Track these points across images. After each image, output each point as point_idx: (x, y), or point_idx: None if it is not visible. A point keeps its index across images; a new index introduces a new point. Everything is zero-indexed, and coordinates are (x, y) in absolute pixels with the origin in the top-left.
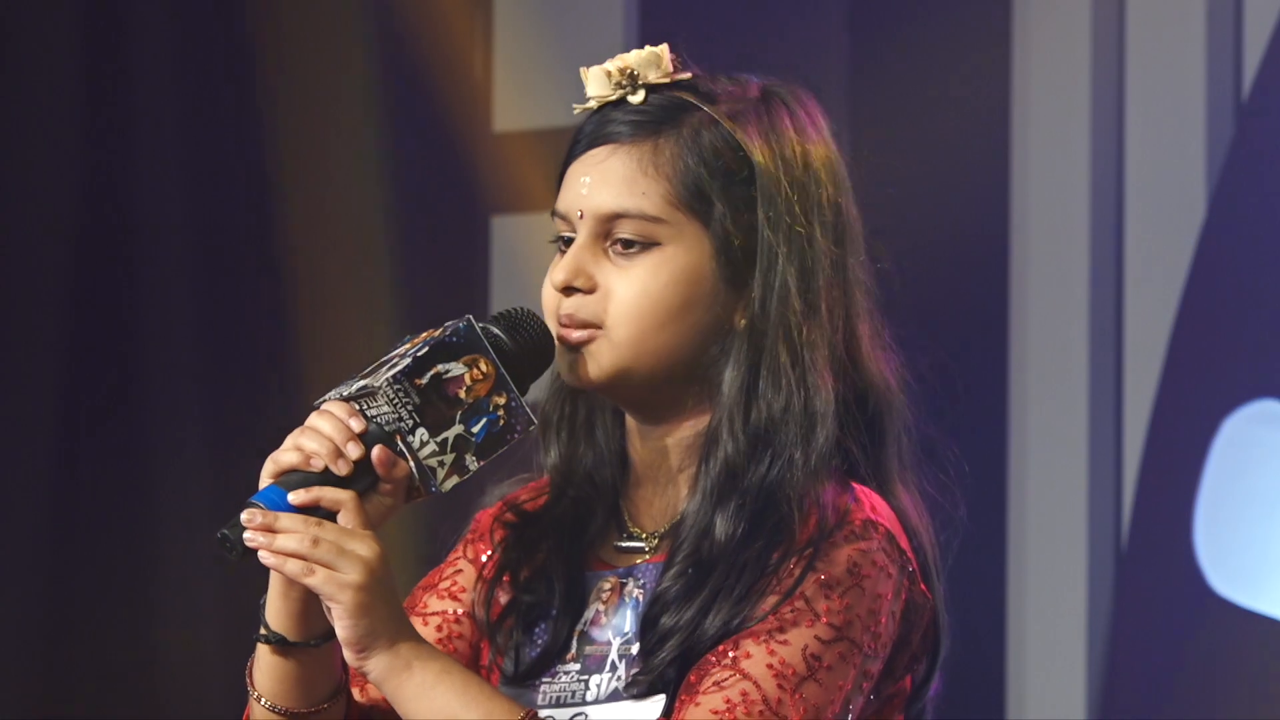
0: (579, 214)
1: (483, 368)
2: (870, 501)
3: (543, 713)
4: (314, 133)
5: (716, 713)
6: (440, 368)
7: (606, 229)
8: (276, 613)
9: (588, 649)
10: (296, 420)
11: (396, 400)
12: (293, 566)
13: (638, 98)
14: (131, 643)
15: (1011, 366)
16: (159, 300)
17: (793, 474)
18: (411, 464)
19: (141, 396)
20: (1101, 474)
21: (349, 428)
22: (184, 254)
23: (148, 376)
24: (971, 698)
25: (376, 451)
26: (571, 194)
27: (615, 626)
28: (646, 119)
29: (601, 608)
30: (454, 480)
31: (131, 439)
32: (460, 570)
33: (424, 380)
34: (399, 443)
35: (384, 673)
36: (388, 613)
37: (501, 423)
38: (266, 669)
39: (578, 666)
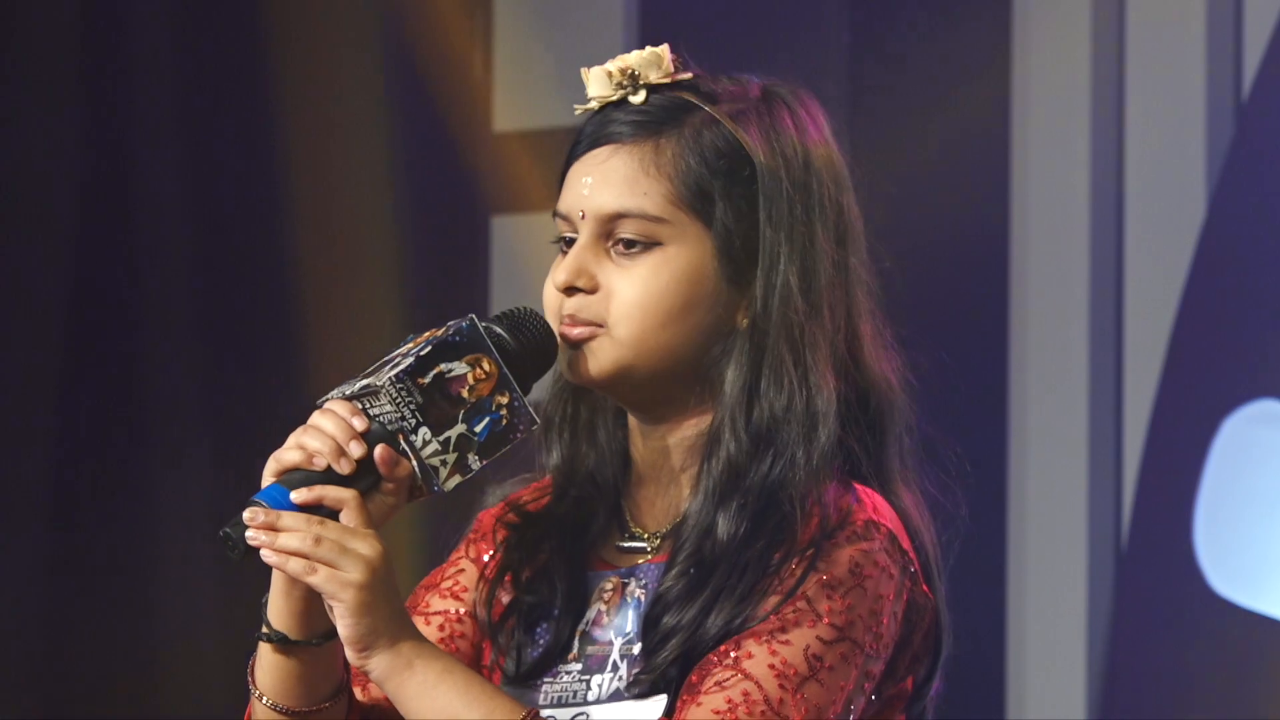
0: (581, 214)
1: (485, 367)
2: (872, 502)
3: (544, 712)
4: (315, 133)
5: (718, 712)
6: (443, 367)
7: (608, 229)
8: (278, 611)
9: (589, 649)
10: (298, 419)
11: (399, 399)
12: (295, 565)
13: (639, 98)
14: (131, 643)
15: (1011, 366)
16: (159, 299)
17: (795, 473)
18: (414, 463)
19: (141, 396)
20: (1101, 474)
21: (352, 427)
22: (184, 254)
23: (148, 376)
24: (971, 698)
25: (379, 450)
26: (573, 194)
27: (617, 626)
28: (648, 119)
29: (603, 608)
30: (456, 479)
31: (131, 439)
32: (462, 570)
33: (427, 379)
34: (401, 442)
35: (385, 672)
36: (389, 612)
37: (504, 422)
38: (268, 668)
39: (579, 666)
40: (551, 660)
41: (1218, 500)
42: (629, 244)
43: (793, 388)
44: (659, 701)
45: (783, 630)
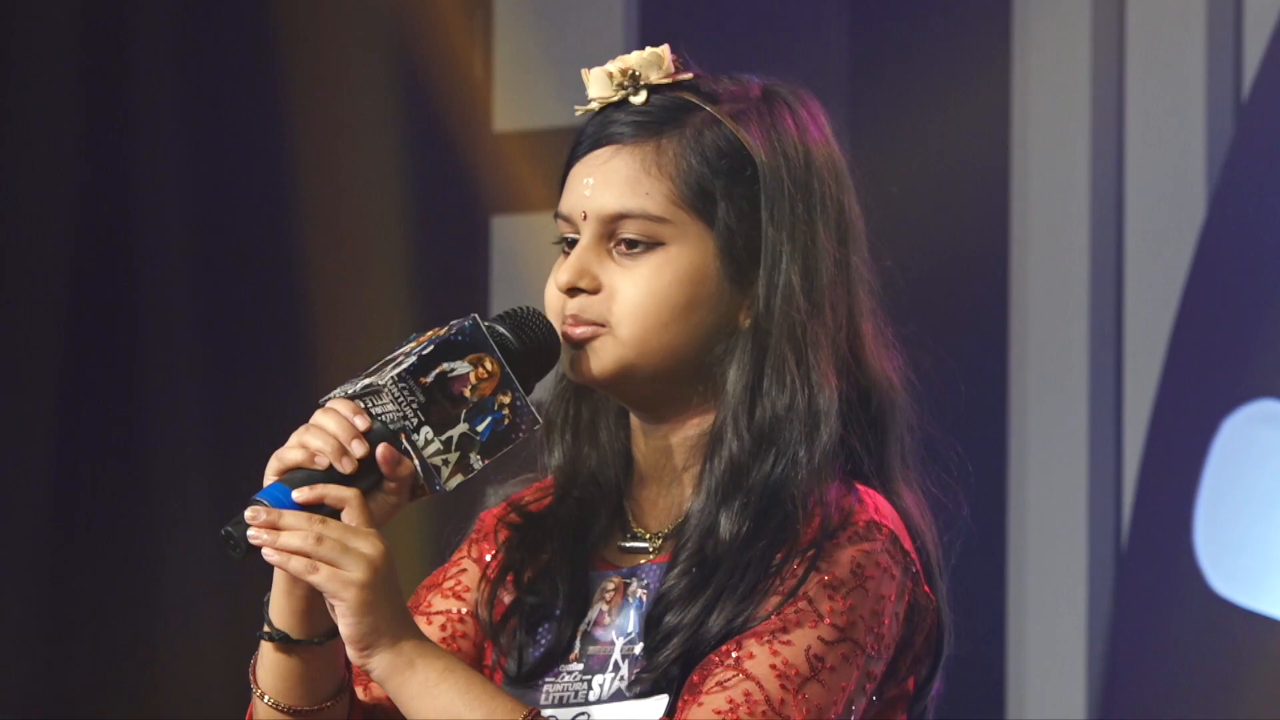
0: (582, 215)
1: (488, 366)
2: (874, 502)
3: (545, 712)
4: (317, 132)
5: (719, 713)
6: (445, 366)
7: (610, 230)
8: (280, 610)
9: (591, 649)
10: (299, 418)
11: (401, 398)
12: (296, 564)
13: (640, 98)
14: (132, 642)
15: (1011, 366)
16: (159, 300)
17: (797, 472)
18: (416, 462)
19: (141, 396)
20: (1101, 474)
21: (354, 425)
22: (184, 253)
23: (148, 376)
24: (971, 698)
25: (381, 449)
26: (574, 195)
27: (619, 626)
28: (649, 119)
29: (605, 608)
30: (458, 479)
31: (131, 439)
32: (464, 570)
33: (429, 379)
34: (404, 441)
35: (387, 671)
36: (391, 611)
37: (506, 422)
38: (270, 667)
39: (581, 666)
40: (553, 660)
41: (1218, 500)
42: (631, 244)
43: (795, 387)
44: (660, 701)
45: (784, 630)
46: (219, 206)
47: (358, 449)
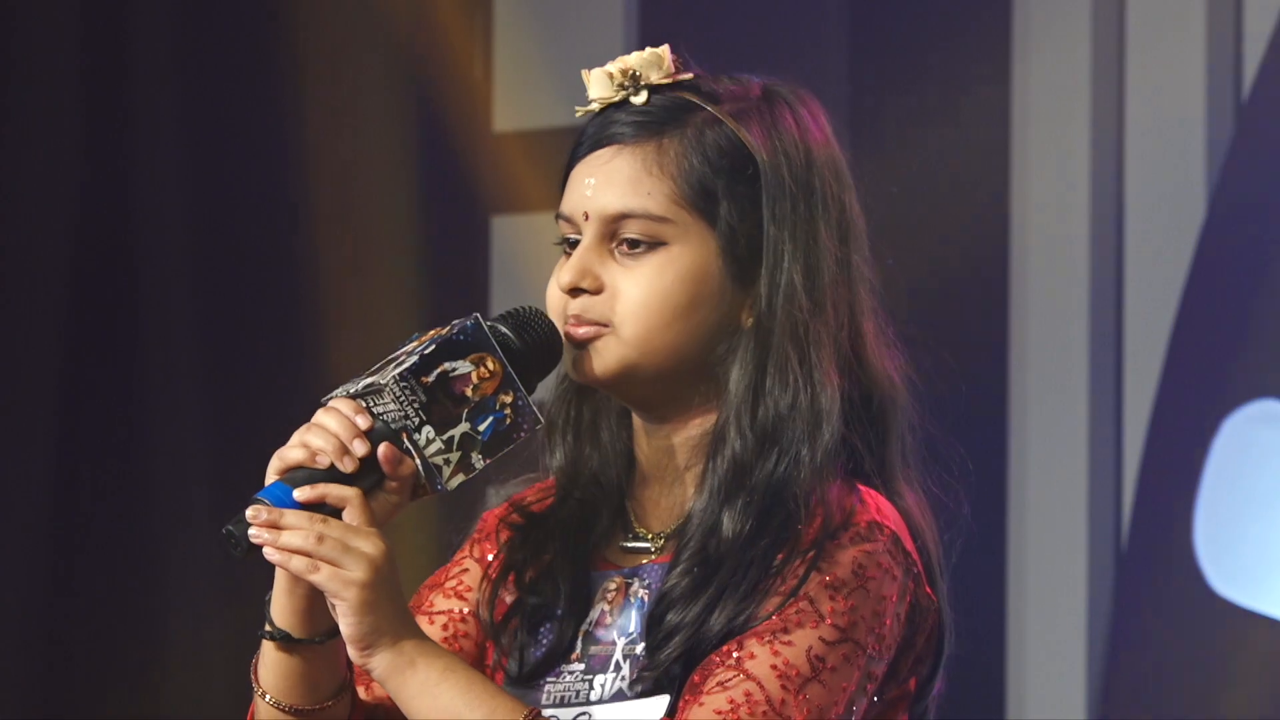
0: (584, 215)
1: (490, 366)
2: (876, 503)
3: (546, 712)
4: (314, 133)
5: (720, 713)
6: (447, 366)
7: (612, 230)
8: (281, 609)
9: (592, 649)
10: (300, 418)
11: (403, 398)
12: (297, 563)
13: (640, 98)
14: (132, 642)
15: (1011, 366)
16: (159, 300)
17: (799, 471)
18: (417, 462)
19: (141, 396)
20: (1101, 474)
21: (355, 425)
22: (184, 254)
23: (148, 376)
24: (971, 698)
25: (382, 449)
26: (576, 196)
27: (620, 626)
28: (650, 119)
29: (607, 608)
30: (460, 478)
31: (131, 439)
32: (466, 569)
33: (431, 378)
34: (405, 440)
35: (387, 670)
36: (392, 610)
37: (508, 421)
38: (271, 666)
39: (582, 666)
40: (554, 660)
41: (1218, 500)
42: (633, 244)
43: (797, 385)
44: (661, 701)
45: (785, 631)
46: (218, 206)
47: (359, 448)
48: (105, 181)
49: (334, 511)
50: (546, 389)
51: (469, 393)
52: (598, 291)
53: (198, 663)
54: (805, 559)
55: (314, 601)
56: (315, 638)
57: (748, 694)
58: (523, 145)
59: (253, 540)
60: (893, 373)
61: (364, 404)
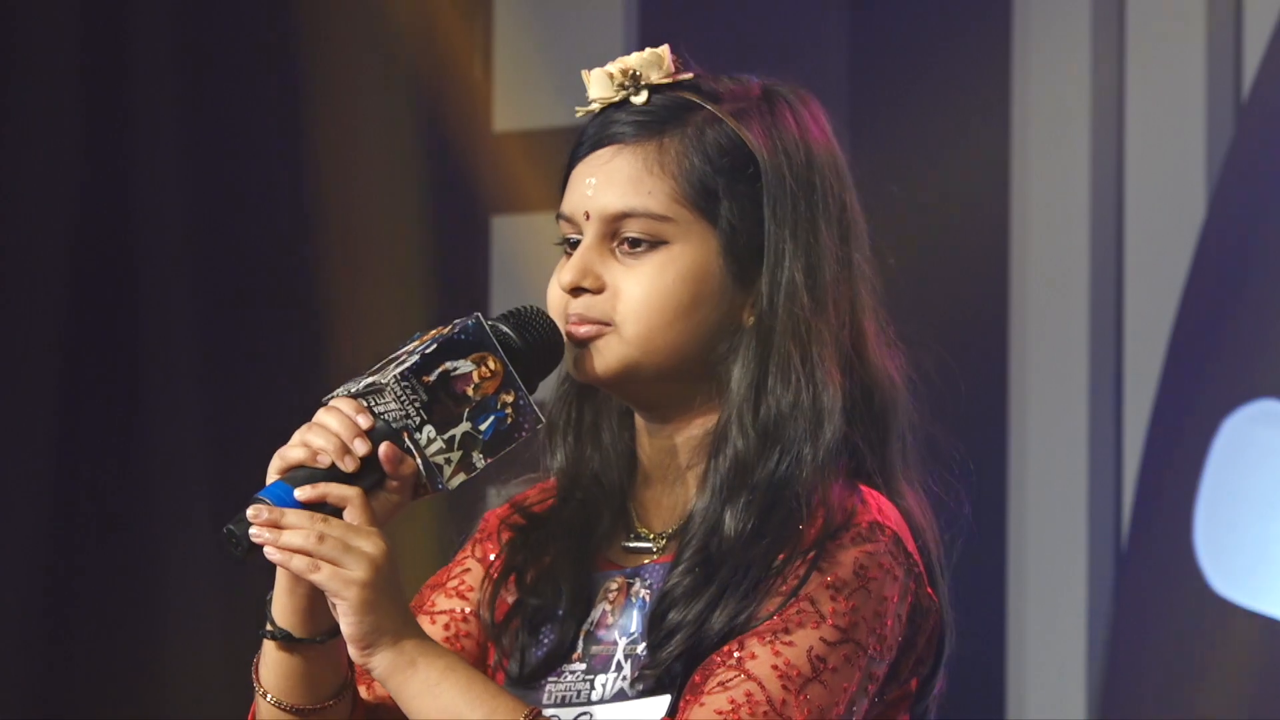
0: (585, 215)
1: (491, 365)
2: (877, 503)
3: (547, 711)
4: (313, 134)
5: (721, 713)
6: (448, 365)
7: (613, 229)
8: (283, 609)
9: (594, 649)
10: (300, 418)
11: (404, 397)
12: (298, 563)
13: (641, 98)
14: (132, 642)
15: (1011, 366)
16: (159, 300)
17: (801, 470)
18: (418, 461)
19: (141, 396)
20: (1101, 474)
21: (356, 424)
22: (184, 253)
23: (148, 376)
24: (971, 698)
25: (383, 448)
26: (577, 195)
27: (621, 627)
28: (650, 119)
29: (608, 608)
30: (461, 478)
31: (131, 439)
32: (468, 569)
33: (432, 377)
34: (406, 440)
35: (388, 669)
36: (393, 609)
37: (509, 420)
38: (272, 665)
39: (583, 666)
40: (556, 660)
41: (1218, 500)
42: (634, 243)
43: (799, 384)
44: (662, 701)
45: (786, 631)
46: (218, 206)
47: (360, 447)
48: (105, 181)
49: (335, 511)
50: (547, 389)
51: (470, 392)
52: (599, 291)
53: (198, 663)
54: (806, 559)
55: (315, 601)
56: (316, 637)
57: (749, 694)
58: (523, 145)
59: (254, 539)
60: (893, 372)
61: (365, 403)
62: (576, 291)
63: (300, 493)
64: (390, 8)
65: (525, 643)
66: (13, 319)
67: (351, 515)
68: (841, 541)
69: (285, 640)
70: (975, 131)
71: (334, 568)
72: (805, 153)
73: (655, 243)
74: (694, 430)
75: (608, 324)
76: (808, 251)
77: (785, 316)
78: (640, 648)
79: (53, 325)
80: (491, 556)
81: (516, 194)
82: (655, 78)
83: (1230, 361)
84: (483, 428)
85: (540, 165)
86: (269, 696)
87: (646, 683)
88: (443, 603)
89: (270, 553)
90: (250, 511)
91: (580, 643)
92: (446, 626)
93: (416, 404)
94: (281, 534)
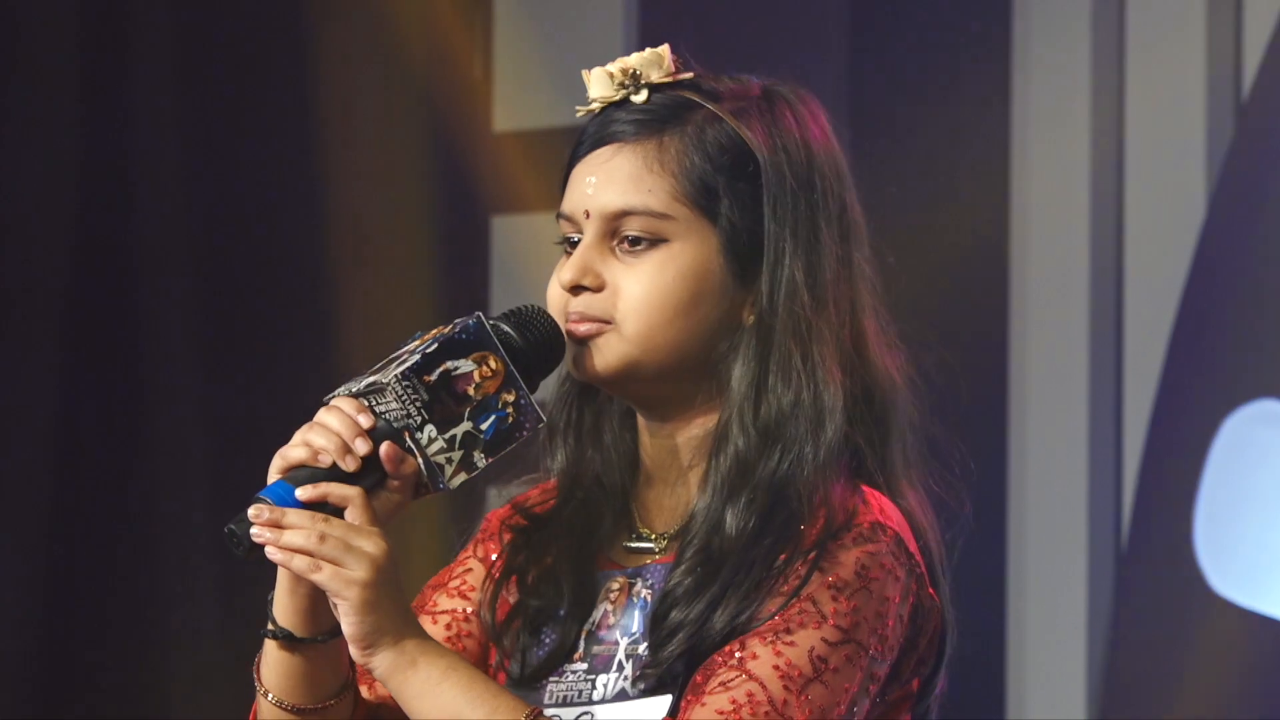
0: (585, 214)
1: (492, 365)
2: (879, 503)
3: (548, 711)
4: (313, 134)
5: (722, 713)
6: (449, 364)
7: (613, 227)
8: (284, 608)
9: (595, 649)
10: (301, 418)
11: (405, 397)
12: (299, 562)
13: (641, 97)
14: (132, 642)
15: (1011, 366)
16: (159, 299)
17: (803, 468)
18: (419, 461)
19: (141, 396)
20: (1101, 474)
21: (357, 424)
22: (184, 253)
23: (148, 376)
24: (971, 698)
25: (384, 448)
26: (577, 194)
27: (623, 626)
28: (650, 117)
29: (610, 608)
30: (462, 477)
31: (131, 439)
32: (470, 569)
33: (433, 377)
34: (407, 439)
35: (389, 669)
36: (394, 609)
37: (510, 420)
38: (274, 665)
39: (585, 666)
40: (557, 661)
41: (1218, 500)
42: (634, 241)
43: (800, 383)
44: (664, 701)
45: (787, 631)
46: (218, 206)
47: (361, 447)
48: (106, 181)
49: (336, 510)
50: (548, 389)
51: (471, 391)
52: (599, 289)
53: (198, 663)
54: (808, 559)
55: (316, 601)
56: (317, 637)
57: (750, 694)
58: (523, 145)
59: (255, 539)
60: (894, 372)
61: (366, 403)
62: (577, 290)
63: (301, 492)
64: (391, 8)
65: (526, 643)
66: (13, 319)
67: (353, 515)
68: (843, 541)
69: (287, 640)
70: (975, 131)
71: (335, 567)
72: (805, 152)
73: (655, 241)
74: (695, 429)
75: (608, 322)
76: (808, 250)
77: (785, 315)
78: (642, 648)
79: (53, 325)
80: (493, 557)
81: (516, 194)
82: (655, 77)
83: (1230, 361)
84: (484, 427)
85: (540, 165)
86: (270, 696)
87: (648, 682)
88: (444, 603)
89: (271, 552)
90: (251, 511)
91: (582, 643)
92: (448, 626)
93: (418, 403)
94: (283, 534)
